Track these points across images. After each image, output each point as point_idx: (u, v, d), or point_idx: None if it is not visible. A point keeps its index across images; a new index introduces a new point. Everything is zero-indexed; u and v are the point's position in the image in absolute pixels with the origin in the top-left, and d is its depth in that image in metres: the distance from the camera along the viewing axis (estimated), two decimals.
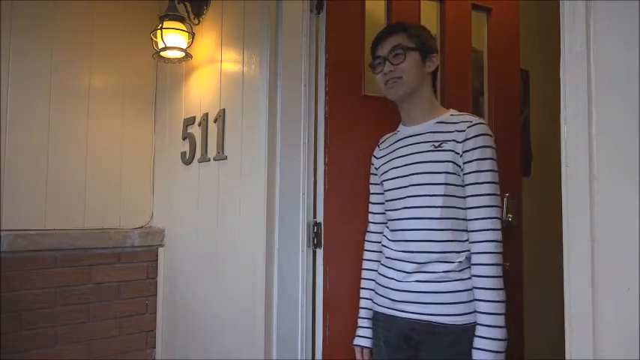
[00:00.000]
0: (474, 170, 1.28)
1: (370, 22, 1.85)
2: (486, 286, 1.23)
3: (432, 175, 1.32)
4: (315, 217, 1.72)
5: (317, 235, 1.70)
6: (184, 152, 2.15)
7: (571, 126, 0.91)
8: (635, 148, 0.81)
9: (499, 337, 1.21)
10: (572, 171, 0.91)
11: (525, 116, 2.64)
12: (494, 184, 1.28)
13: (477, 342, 1.22)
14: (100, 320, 2.15)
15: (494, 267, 1.24)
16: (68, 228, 2.12)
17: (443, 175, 1.30)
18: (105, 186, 2.26)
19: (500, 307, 1.23)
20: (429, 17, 1.91)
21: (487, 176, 1.28)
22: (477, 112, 1.92)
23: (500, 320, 1.22)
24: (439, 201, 1.29)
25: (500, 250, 1.26)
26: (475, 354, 1.21)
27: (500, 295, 1.23)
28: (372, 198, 1.59)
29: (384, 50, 1.43)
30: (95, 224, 2.21)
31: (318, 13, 1.76)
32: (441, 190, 1.30)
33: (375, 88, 1.85)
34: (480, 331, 1.22)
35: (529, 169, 2.62)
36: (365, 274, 1.55)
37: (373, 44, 1.48)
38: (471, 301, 1.27)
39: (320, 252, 1.71)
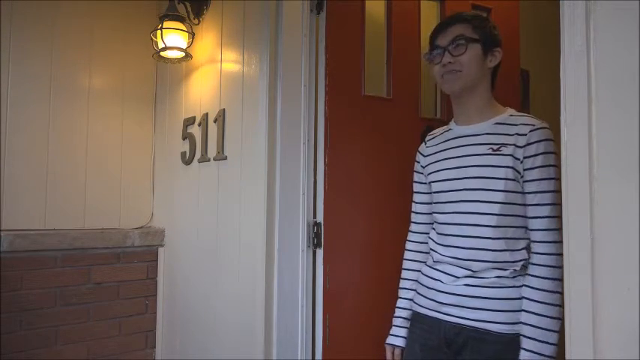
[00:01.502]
0: (536, 178, 1.20)
1: (370, 22, 1.85)
2: (541, 300, 1.16)
3: (489, 181, 1.24)
4: (315, 217, 1.72)
5: (317, 235, 1.70)
6: (184, 152, 2.15)
7: (571, 126, 0.91)
8: (635, 148, 0.81)
9: (547, 353, 1.13)
10: (572, 171, 0.91)
11: None
12: (557, 194, 1.20)
13: (523, 354, 1.15)
14: (100, 320, 2.15)
15: (553, 282, 1.16)
16: (68, 228, 2.12)
17: (502, 181, 1.22)
18: (105, 186, 2.26)
19: (553, 324, 1.14)
20: (429, 17, 1.91)
21: (550, 185, 1.20)
22: None
23: (551, 337, 1.14)
24: (496, 208, 1.22)
25: (561, 263, 1.15)
26: None
27: (556, 312, 1.15)
28: (416, 197, 1.49)
29: (444, 40, 1.31)
30: (95, 224, 2.21)
31: (318, 13, 1.76)
32: (499, 197, 1.22)
33: (374, 88, 1.85)
34: (526, 343, 1.16)
35: None
36: (405, 274, 1.47)
37: (433, 34, 1.36)
38: (522, 310, 1.19)
39: (320, 252, 1.70)
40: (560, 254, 1.17)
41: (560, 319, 1.15)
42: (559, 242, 1.18)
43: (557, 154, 1.21)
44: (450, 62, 1.29)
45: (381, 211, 1.79)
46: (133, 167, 2.35)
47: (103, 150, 2.26)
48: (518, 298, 1.20)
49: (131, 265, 2.24)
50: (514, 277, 1.21)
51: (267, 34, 1.69)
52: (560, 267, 1.17)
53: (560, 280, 1.16)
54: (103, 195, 2.26)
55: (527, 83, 2.68)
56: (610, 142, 0.86)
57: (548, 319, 1.15)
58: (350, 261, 1.74)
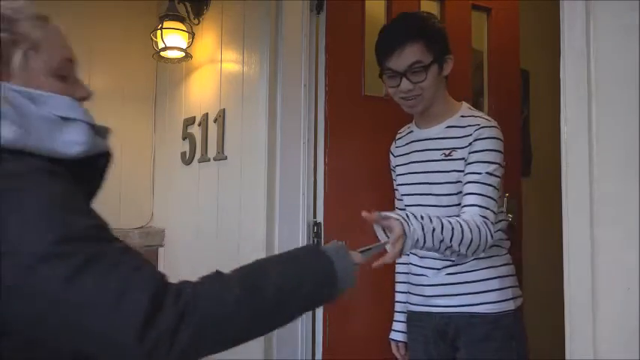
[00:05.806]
0: (474, 161, 1.22)
1: (370, 22, 1.85)
2: (455, 228, 1.11)
3: (443, 186, 1.29)
4: (315, 217, 1.72)
5: (317, 235, 1.70)
6: (184, 152, 2.15)
7: (571, 126, 0.91)
8: (635, 148, 0.81)
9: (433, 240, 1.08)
10: (572, 171, 0.91)
11: (525, 116, 2.64)
12: (491, 187, 1.20)
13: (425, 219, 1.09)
14: None
15: (471, 233, 1.12)
16: None
17: (454, 185, 1.27)
18: (105, 186, 2.25)
19: (448, 237, 1.09)
20: None
21: (488, 167, 1.21)
22: None
23: (446, 234, 1.09)
24: (456, 210, 1.25)
25: (484, 230, 1.14)
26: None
27: (457, 240, 1.10)
28: (398, 194, 1.49)
29: (399, 65, 1.23)
30: None
31: (318, 13, 1.76)
32: (455, 200, 1.27)
33: (374, 88, 1.85)
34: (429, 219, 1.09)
35: (529, 169, 2.62)
36: (399, 267, 1.50)
37: (385, 52, 1.27)
38: (504, 288, 1.26)
39: None
40: (490, 221, 1.17)
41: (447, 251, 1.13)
42: (486, 238, 1.15)
43: (500, 152, 1.24)
44: (410, 90, 1.25)
45: (381, 210, 1.79)
46: (133, 167, 2.35)
47: None
48: (498, 277, 1.27)
49: None
50: (489, 257, 1.27)
51: (267, 34, 1.69)
52: (479, 245, 1.14)
53: (471, 239, 1.13)
54: (103, 195, 2.23)
55: (527, 83, 2.68)
56: (610, 141, 0.86)
57: (453, 233, 1.10)
58: None
